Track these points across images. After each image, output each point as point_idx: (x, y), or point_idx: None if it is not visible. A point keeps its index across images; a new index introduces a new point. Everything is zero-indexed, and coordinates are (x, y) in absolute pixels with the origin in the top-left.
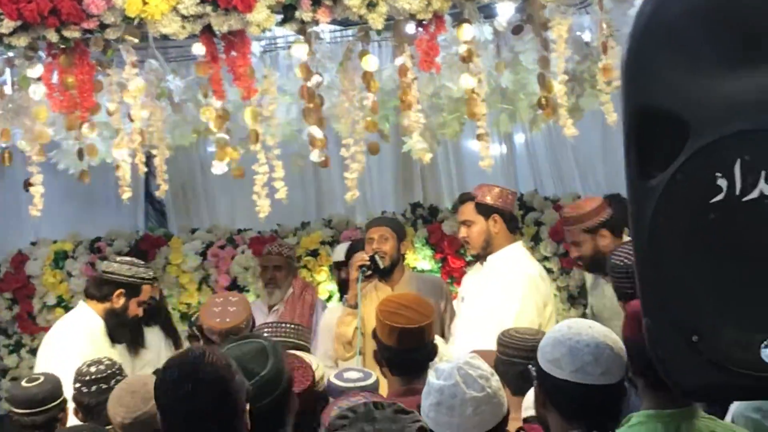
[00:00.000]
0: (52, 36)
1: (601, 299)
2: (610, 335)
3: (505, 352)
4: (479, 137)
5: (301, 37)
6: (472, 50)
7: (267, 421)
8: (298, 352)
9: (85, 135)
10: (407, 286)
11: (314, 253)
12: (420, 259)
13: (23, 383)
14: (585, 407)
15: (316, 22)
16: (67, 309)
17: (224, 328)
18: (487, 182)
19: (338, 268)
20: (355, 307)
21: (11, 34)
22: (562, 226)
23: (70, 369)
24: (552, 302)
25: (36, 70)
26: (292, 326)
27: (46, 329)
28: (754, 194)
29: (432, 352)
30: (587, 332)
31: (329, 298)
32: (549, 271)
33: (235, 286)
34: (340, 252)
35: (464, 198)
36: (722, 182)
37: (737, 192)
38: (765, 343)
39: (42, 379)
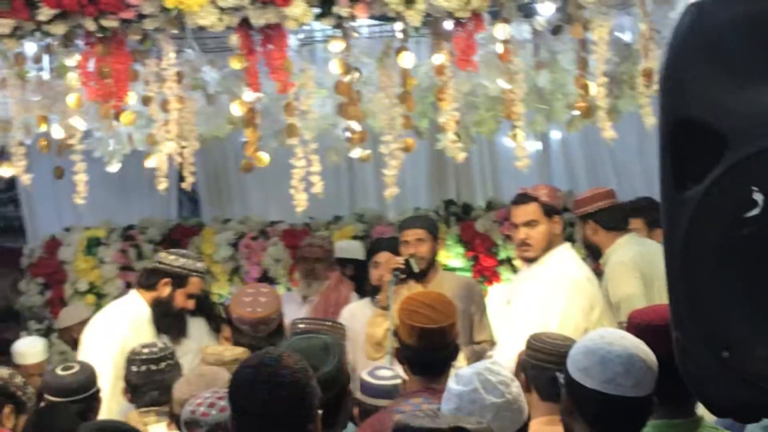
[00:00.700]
0: (90, 25)
1: None
2: (642, 347)
3: (535, 356)
4: (515, 137)
5: (339, 32)
6: (510, 49)
7: (324, 417)
8: None
9: (124, 124)
10: (439, 287)
11: None
12: (451, 256)
13: (58, 371)
14: (613, 418)
15: (354, 18)
16: (98, 296)
17: (255, 318)
18: (521, 183)
19: (342, 265)
20: (386, 308)
21: (49, 21)
22: None
23: (109, 352)
24: (600, 305)
25: (73, 59)
26: (329, 323)
27: None
28: None
29: (454, 353)
30: (620, 342)
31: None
32: None
33: (266, 278)
34: (348, 249)
35: (526, 198)
36: (758, 196)
37: None
38: None
39: (77, 368)
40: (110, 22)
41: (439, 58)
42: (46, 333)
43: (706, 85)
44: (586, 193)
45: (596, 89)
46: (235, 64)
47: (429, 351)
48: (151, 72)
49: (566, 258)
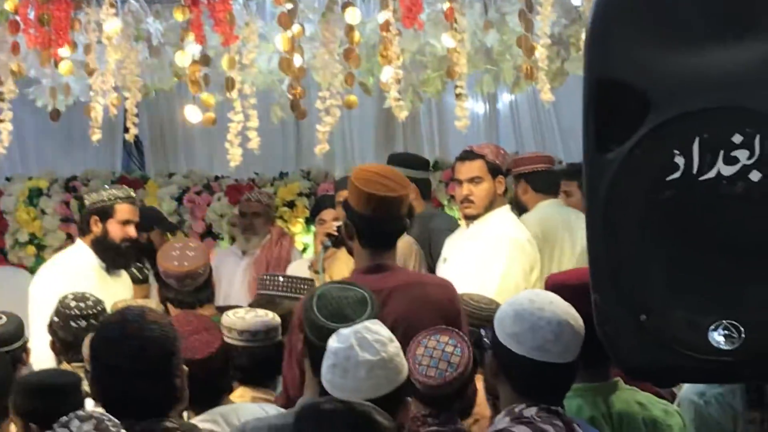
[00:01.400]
0: None
1: None
2: (571, 312)
3: None
4: (457, 97)
5: None
6: (455, 8)
7: None
8: None
9: (61, 73)
10: None
11: (291, 204)
12: None
13: None
14: (540, 383)
15: None
16: (39, 247)
17: (181, 272)
18: (468, 142)
19: None
20: (318, 273)
21: None
22: None
23: (47, 306)
24: (539, 266)
25: (12, 3)
26: (284, 279)
27: (16, 265)
28: (711, 174)
29: (404, 227)
30: (550, 308)
31: (304, 249)
32: None
33: (209, 233)
34: None
35: (472, 155)
36: (680, 160)
37: (694, 171)
38: (713, 326)
39: (5, 319)
40: None
41: (385, 15)
42: None
43: (632, 45)
44: (526, 154)
45: (540, 51)
46: (179, 16)
47: (383, 220)
48: (93, 21)
49: (507, 219)
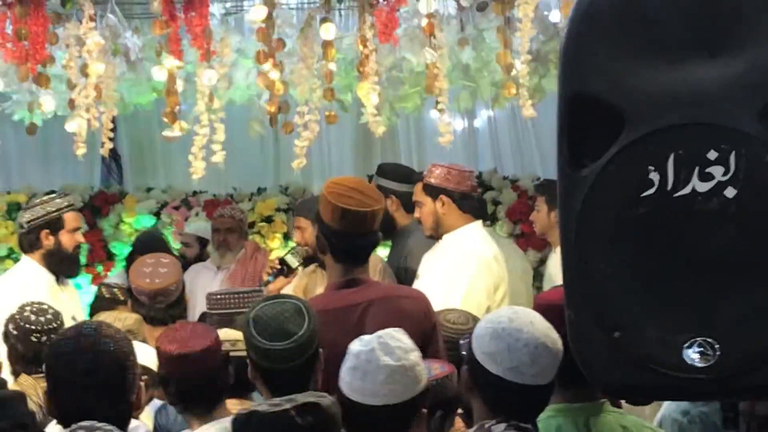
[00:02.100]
0: None
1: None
2: (551, 334)
3: None
4: (440, 112)
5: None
6: (434, 24)
7: (297, 379)
8: None
9: (39, 88)
10: None
11: (268, 220)
12: None
13: None
14: (513, 403)
15: None
16: (16, 260)
17: (153, 289)
18: (446, 159)
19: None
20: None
21: None
22: None
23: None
24: (505, 285)
25: None
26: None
27: None
28: (686, 190)
29: (376, 241)
30: (528, 329)
31: None
32: None
33: None
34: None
35: (416, 178)
36: (654, 176)
37: (669, 187)
38: (687, 343)
39: None
40: None
41: (361, 31)
42: None
43: (605, 61)
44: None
45: (520, 67)
46: (157, 31)
47: (357, 235)
48: (72, 36)
49: (474, 236)
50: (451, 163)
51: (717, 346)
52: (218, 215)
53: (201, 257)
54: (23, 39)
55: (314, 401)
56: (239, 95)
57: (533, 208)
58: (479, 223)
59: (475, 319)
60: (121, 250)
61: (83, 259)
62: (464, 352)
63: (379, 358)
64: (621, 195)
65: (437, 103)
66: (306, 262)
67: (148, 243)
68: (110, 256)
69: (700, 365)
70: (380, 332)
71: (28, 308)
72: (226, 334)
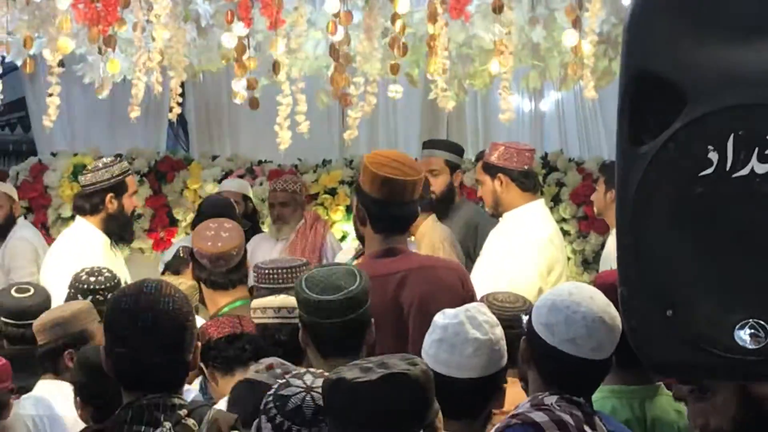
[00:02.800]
0: None
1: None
2: (610, 310)
3: None
4: (503, 89)
5: None
6: (504, 1)
7: (347, 340)
8: None
9: (107, 49)
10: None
11: (332, 192)
12: None
13: (13, 293)
14: (567, 376)
15: None
16: None
17: (215, 253)
18: (512, 138)
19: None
20: None
21: None
22: None
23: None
24: (560, 267)
25: None
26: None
27: None
28: (745, 171)
29: (415, 212)
30: (587, 303)
31: (343, 237)
32: (566, 233)
33: None
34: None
35: (478, 156)
36: (713, 156)
37: (728, 167)
38: (739, 324)
39: (33, 291)
40: None
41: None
42: None
43: (669, 39)
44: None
45: (586, 48)
46: None
47: (396, 204)
48: None
49: (533, 215)
50: (510, 141)
51: None
52: (271, 190)
53: (247, 214)
54: (96, 0)
55: (404, 371)
56: (308, 66)
57: None
58: (541, 201)
59: (525, 299)
60: (185, 216)
61: (146, 224)
62: (524, 325)
63: (468, 332)
64: (679, 173)
65: (502, 80)
66: None
67: (215, 208)
68: (173, 222)
69: (751, 347)
70: (467, 306)
71: (84, 271)
72: (282, 300)
